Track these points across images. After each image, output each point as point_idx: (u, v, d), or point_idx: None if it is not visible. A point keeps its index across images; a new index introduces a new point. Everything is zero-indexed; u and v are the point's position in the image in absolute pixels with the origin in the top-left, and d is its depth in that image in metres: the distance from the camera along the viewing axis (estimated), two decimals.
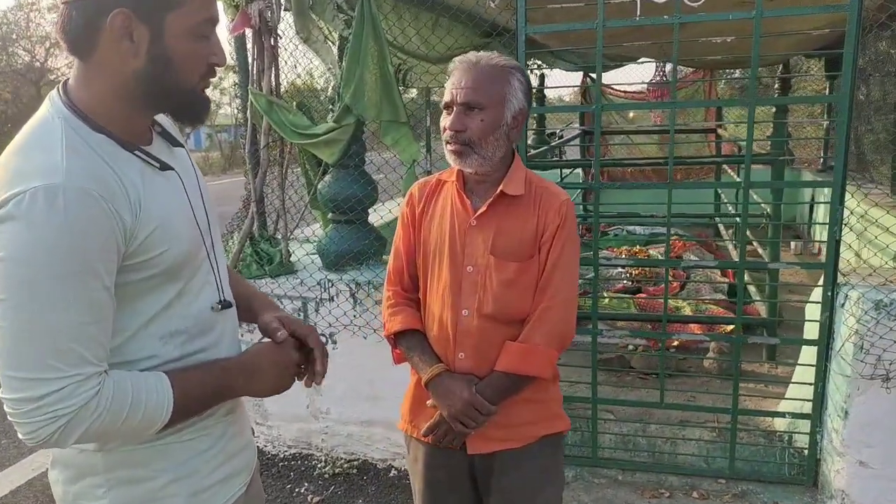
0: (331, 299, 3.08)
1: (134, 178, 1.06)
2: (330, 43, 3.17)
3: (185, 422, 1.13)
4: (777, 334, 3.40)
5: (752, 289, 4.32)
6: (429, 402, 1.66)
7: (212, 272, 1.22)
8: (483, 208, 1.59)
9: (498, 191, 1.58)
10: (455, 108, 1.54)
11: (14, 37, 20.11)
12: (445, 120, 1.56)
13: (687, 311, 4.03)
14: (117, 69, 1.05)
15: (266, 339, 1.31)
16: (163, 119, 1.24)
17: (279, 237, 3.28)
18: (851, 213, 2.94)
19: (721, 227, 6.18)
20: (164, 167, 1.13)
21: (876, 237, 2.99)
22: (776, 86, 7.13)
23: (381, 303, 2.99)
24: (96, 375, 1.00)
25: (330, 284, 3.07)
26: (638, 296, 4.33)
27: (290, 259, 3.24)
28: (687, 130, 7.12)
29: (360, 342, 3.08)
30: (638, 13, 2.59)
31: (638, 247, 5.59)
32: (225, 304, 1.22)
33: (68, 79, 1.10)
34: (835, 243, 2.58)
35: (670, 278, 4.75)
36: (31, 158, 0.99)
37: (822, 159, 7.21)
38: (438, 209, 1.68)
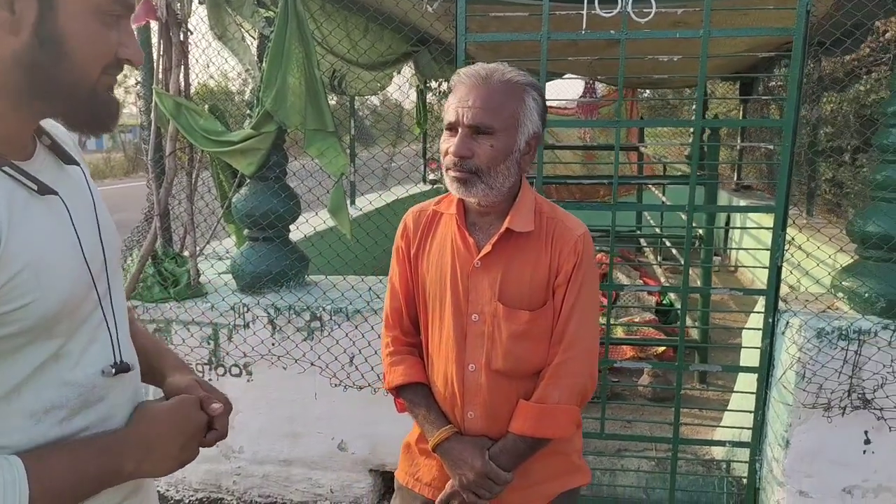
0: (246, 326, 2.77)
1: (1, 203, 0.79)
2: (249, 41, 2.87)
3: None
4: (709, 359, 3.37)
5: (679, 306, 4.32)
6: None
7: (104, 325, 0.94)
8: (488, 248, 1.37)
9: (503, 228, 1.36)
10: (460, 130, 1.30)
11: None
12: (447, 143, 1.33)
13: (619, 331, 3.96)
14: None
15: (158, 398, 1.03)
16: (55, 128, 0.97)
17: (186, 255, 2.92)
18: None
19: (643, 241, 6.24)
20: (45, 190, 0.85)
21: (800, 262, 2.98)
22: (693, 107, 7.33)
23: (302, 329, 2.74)
24: None
25: (245, 309, 2.76)
26: None
27: (199, 280, 2.89)
28: (608, 147, 7.19)
29: (279, 374, 2.78)
30: (584, 27, 2.46)
31: None
32: (121, 368, 0.94)
33: None
34: (776, 269, 2.53)
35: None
36: None
37: (734, 179, 7.47)
38: (436, 245, 1.44)
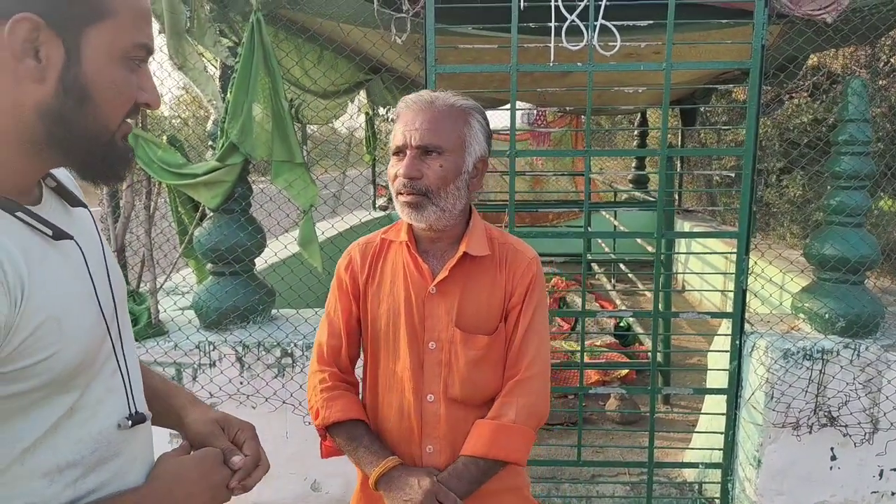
0: (212, 365, 2.65)
1: (14, 252, 0.73)
2: (211, 71, 2.79)
3: None
4: (671, 381, 3.44)
5: (638, 329, 4.41)
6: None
7: (118, 375, 0.88)
8: (444, 273, 1.34)
9: (460, 252, 1.35)
10: (409, 153, 1.29)
11: None
12: (396, 167, 1.31)
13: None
14: (10, 99, 0.74)
15: (181, 447, 0.97)
16: (58, 171, 0.91)
17: (145, 292, 2.79)
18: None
19: (595, 265, 6.37)
20: (60, 235, 0.80)
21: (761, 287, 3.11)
22: (636, 133, 7.59)
23: (273, 366, 2.64)
24: None
25: (211, 347, 2.64)
26: None
27: (160, 318, 2.76)
28: (559, 173, 7.36)
29: (249, 413, 2.66)
30: (552, 59, 2.51)
31: None
32: (137, 419, 0.88)
33: None
34: (741, 292, 2.61)
35: (559, 322, 4.77)
36: None
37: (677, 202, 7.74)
38: (388, 275, 1.40)
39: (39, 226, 0.78)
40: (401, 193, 1.31)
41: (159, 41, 2.78)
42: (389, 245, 1.43)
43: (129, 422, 0.87)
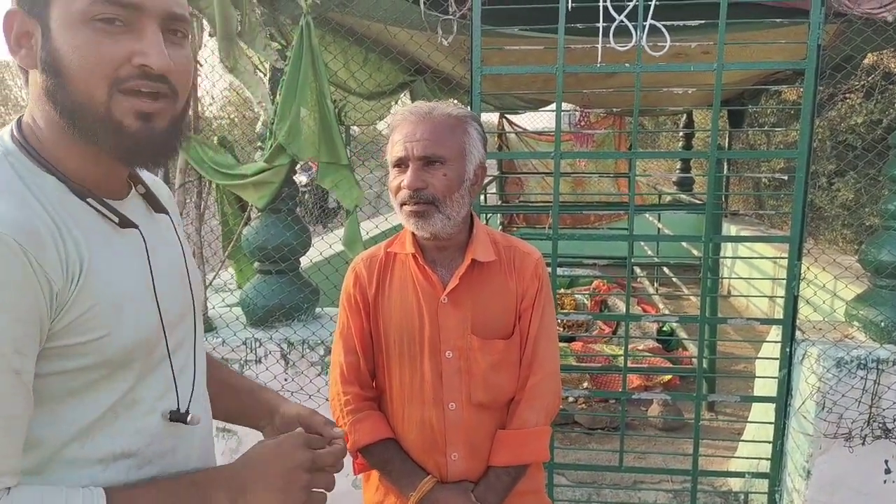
0: (258, 361, 2.71)
1: (79, 233, 0.78)
2: (260, 74, 2.85)
3: None
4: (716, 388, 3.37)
5: (681, 334, 4.33)
6: None
7: (178, 374, 0.91)
8: (454, 282, 1.36)
9: (468, 259, 1.36)
10: (411, 164, 1.30)
11: None
12: (398, 178, 1.33)
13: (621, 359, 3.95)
14: (34, 87, 0.80)
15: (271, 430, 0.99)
16: (152, 178, 0.97)
17: None
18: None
19: (637, 269, 6.27)
20: (126, 223, 0.83)
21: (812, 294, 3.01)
22: (681, 134, 7.46)
23: (316, 364, 2.69)
24: None
25: (258, 344, 2.70)
26: (573, 344, 4.22)
27: (209, 314, 2.83)
28: (602, 174, 7.28)
29: None
30: (599, 60, 2.48)
31: (562, 289, 5.53)
32: (177, 416, 0.89)
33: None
34: (793, 299, 2.54)
35: (601, 325, 4.71)
36: None
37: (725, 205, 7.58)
38: (396, 288, 1.42)
39: (107, 213, 0.82)
40: (405, 204, 1.32)
41: (212, 45, 2.86)
42: (395, 257, 1.44)
43: (170, 416, 0.88)
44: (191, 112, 2.80)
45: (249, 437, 2.68)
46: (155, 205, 0.93)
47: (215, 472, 0.90)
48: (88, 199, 0.80)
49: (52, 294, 0.73)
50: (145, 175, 0.97)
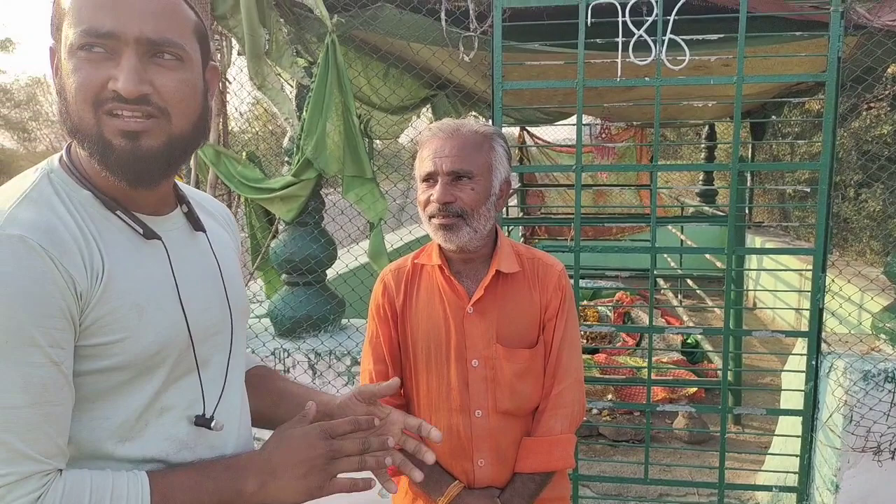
0: (286, 371, 2.76)
1: (105, 240, 0.85)
2: (287, 91, 2.92)
3: None
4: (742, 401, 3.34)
5: (706, 346, 4.30)
6: None
7: (199, 386, 0.95)
8: (480, 292, 1.40)
9: (493, 270, 1.41)
10: (440, 179, 1.35)
11: None
12: (427, 192, 1.38)
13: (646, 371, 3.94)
14: None
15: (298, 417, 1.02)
16: (196, 195, 1.05)
17: None
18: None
19: (660, 281, 6.24)
20: (150, 234, 0.90)
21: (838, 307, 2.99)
22: (703, 146, 7.42)
23: (343, 374, 2.73)
24: (40, 476, 0.76)
25: (286, 354, 2.75)
26: (596, 356, 4.22)
27: None
28: (623, 185, 7.27)
29: None
30: (619, 74, 2.51)
31: (585, 301, 5.53)
32: (201, 421, 0.94)
33: None
34: (818, 311, 2.53)
35: (624, 337, 4.70)
36: None
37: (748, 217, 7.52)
38: (423, 299, 1.46)
39: (132, 223, 0.88)
40: (434, 217, 1.36)
41: (240, 63, 2.94)
42: (422, 269, 1.49)
43: (196, 420, 0.93)
44: (220, 128, 2.88)
45: None
46: (195, 223, 0.99)
47: (247, 458, 0.95)
48: (117, 212, 0.87)
49: (78, 293, 0.80)
50: (200, 196, 1.06)
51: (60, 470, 0.79)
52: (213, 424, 0.95)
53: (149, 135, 0.84)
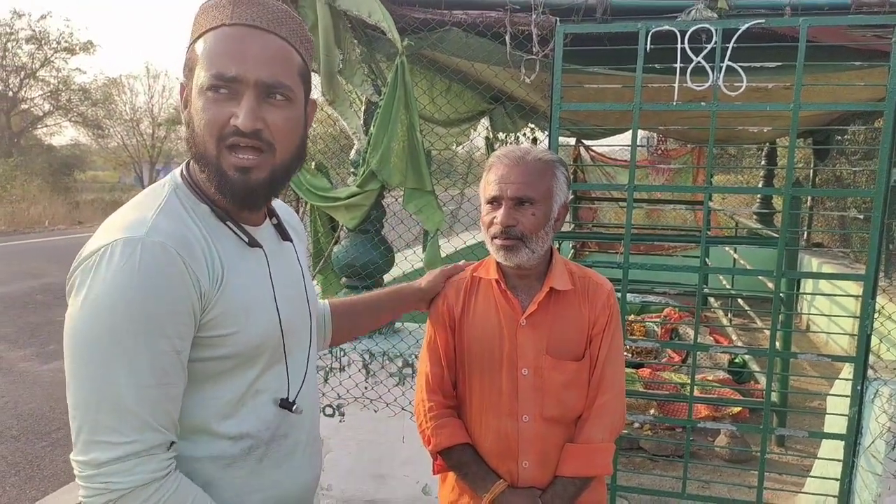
0: (342, 369, 2.94)
1: (221, 248, 1.03)
2: (356, 107, 3.11)
3: None
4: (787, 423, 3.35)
5: (754, 367, 4.30)
6: None
7: (285, 373, 1.13)
8: (533, 307, 1.52)
9: (546, 287, 1.53)
10: (504, 203, 1.48)
11: None
12: (490, 215, 1.51)
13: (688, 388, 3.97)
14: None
15: None
16: (281, 208, 1.22)
17: None
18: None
19: (711, 299, 6.22)
20: (253, 243, 1.08)
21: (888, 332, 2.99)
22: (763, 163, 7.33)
23: (395, 375, 2.89)
24: (162, 451, 0.93)
25: (342, 353, 2.93)
26: (641, 370, 4.27)
27: None
28: (677, 202, 7.24)
29: (371, 416, 2.93)
30: (675, 98, 2.60)
31: (632, 315, 5.56)
32: (285, 404, 1.11)
33: None
34: (865, 337, 2.55)
35: (670, 353, 4.73)
36: (126, 217, 0.98)
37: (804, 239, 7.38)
38: (480, 309, 1.59)
39: (240, 233, 1.06)
40: (496, 238, 1.49)
41: (314, 80, 3.14)
42: (480, 282, 1.62)
43: (279, 403, 1.11)
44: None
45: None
46: (283, 234, 1.18)
47: None
48: (227, 223, 1.05)
49: (201, 292, 0.97)
50: (283, 209, 1.24)
51: (173, 442, 0.96)
52: (294, 408, 1.12)
53: (257, 169, 1.02)
